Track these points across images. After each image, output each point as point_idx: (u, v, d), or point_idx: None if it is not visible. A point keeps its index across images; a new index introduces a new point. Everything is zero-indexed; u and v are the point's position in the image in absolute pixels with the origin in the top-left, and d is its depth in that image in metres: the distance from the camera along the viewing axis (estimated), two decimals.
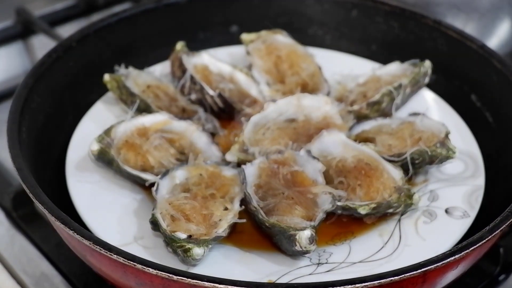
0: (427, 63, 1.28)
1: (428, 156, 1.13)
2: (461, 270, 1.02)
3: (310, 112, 1.23)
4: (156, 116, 1.20)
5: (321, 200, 1.08)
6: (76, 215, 1.09)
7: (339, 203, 1.09)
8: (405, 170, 1.14)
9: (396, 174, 1.12)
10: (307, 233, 1.01)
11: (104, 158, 1.13)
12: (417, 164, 1.15)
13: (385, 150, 1.17)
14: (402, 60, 1.32)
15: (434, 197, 1.16)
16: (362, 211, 1.09)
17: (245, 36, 1.37)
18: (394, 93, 1.24)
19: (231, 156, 1.18)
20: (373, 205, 1.09)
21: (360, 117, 1.25)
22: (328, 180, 1.12)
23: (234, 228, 1.07)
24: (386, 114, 1.26)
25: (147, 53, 1.41)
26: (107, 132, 1.16)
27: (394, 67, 1.31)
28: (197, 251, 1.00)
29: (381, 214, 1.11)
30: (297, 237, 1.01)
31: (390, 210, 1.10)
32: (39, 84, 1.21)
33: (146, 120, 1.19)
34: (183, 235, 1.02)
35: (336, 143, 1.17)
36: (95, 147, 1.13)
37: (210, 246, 1.02)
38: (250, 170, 1.13)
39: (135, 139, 1.16)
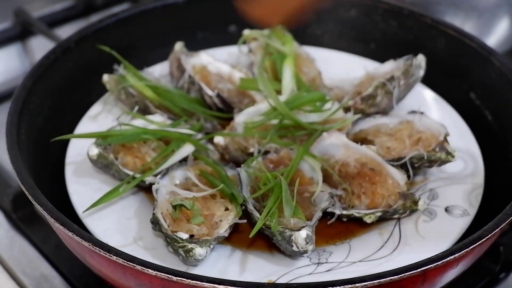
0: (420, 56, 1.27)
1: (427, 160, 1.13)
2: (461, 268, 1.02)
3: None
4: (149, 118, 1.20)
5: (319, 198, 1.08)
6: (76, 216, 1.09)
7: (344, 212, 1.09)
8: (404, 170, 1.14)
9: (399, 178, 1.11)
10: (303, 233, 1.01)
11: (103, 162, 1.13)
12: (416, 167, 1.15)
13: (384, 153, 1.16)
14: None
15: (434, 195, 1.15)
16: (368, 220, 1.09)
17: (247, 33, 1.36)
18: (388, 85, 1.23)
19: (218, 139, 1.18)
20: (378, 214, 1.09)
21: (357, 113, 1.23)
22: (331, 186, 1.12)
23: (234, 228, 1.07)
24: (384, 110, 1.25)
25: (146, 54, 1.41)
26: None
27: (389, 65, 1.30)
28: (199, 251, 1.00)
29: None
30: (293, 237, 1.01)
31: (395, 216, 1.11)
32: (38, 86, 1.21)
33: (140, 123, 1.18)
34: (185, 235, 1.01)
35: (337, 145, 1.16)
36: (94, 151, 1.12)
37: (212, 246, 1.02)
38: (246, 172, 1.12)
39: (132, 142, 1.16)
